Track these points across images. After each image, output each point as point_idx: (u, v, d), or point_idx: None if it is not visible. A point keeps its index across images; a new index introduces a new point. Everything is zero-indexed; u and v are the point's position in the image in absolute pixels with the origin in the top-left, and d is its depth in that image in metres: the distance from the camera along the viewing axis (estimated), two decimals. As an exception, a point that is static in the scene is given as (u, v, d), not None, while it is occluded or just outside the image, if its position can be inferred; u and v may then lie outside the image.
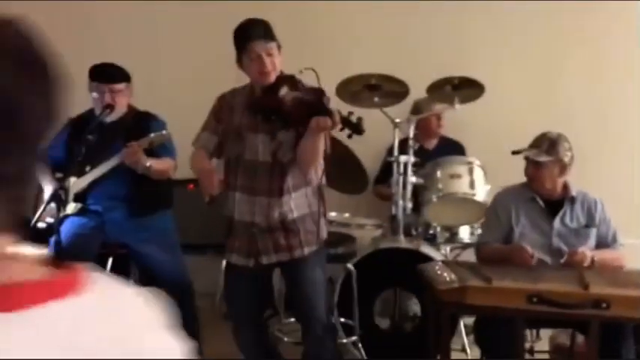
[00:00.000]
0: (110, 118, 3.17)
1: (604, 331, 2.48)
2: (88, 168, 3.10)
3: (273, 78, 2.43)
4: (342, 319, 3.18)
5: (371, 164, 3.95)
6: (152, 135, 2.95)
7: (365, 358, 3.12)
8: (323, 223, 2.63)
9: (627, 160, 4.21)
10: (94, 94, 3.15)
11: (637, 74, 4.18)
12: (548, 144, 2.75)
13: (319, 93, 2.38)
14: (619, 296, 2.22)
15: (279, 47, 2.47)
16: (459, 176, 3.36)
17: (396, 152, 3.36)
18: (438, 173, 3.39)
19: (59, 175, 3.12)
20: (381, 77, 3.43)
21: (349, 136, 2.30)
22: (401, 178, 3.32)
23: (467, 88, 3.41)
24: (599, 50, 4.27)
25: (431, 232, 3.66)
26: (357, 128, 2.25)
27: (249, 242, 2.52)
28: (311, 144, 2.35)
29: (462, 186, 3.34)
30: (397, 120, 3.35)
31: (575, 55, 4.31)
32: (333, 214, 3.86)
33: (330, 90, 3.51)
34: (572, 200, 2.80)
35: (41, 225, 3.07)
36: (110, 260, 3.30)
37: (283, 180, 2.49)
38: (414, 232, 3.68)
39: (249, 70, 2.46)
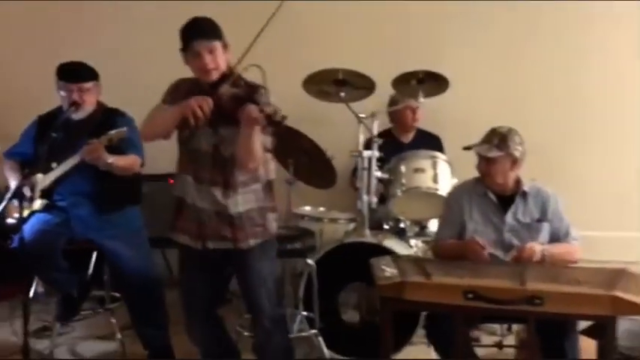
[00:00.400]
0: (78, 115, 3.24)
1: (548, 328, 2.51)
2: (54, 165, 3.18)
3: (215, 75, 2.47)
4: (305, 313, 3.23)
5: (346, 158, 3.97)
6: (112, 132, 3.00)
7: (326, 351, 3.17)
8: (272, 217, 2.66)
9: (592, 152, 4.22)
10: (62, 93, 3.23)
11: (600, 66, 4.17)
12: (498, 139, 2.74)
13: (254, 89, 2.41)
14: (553, 292, 2.21)
15: (224, 46, 2.51)
16: (422, 170, 3.39)
17: (360, 147, 3.38)
18: (402, 167, 3.41)
19: (27, 171, 3.19)
20: (347, 72, 3.46)
21: (273, 134, 2.31)
22: (365, 173, 3.34)
23: (431, 82, 3.41)
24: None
25: (401, 225, 3.69)
26: (278, 126, 2.28)
27: (199, 226, 2.56)
28: (244, 138, 2.38)
29: (425, 180, 3.36)
30: (362, 115, 3.36)
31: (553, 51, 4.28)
32: (307, 208, 3.92)
33: (296, 85, 3.57)
34: (524, 195, 2.79)
35: (11, 221, 3.18)
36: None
37: (226, 173, 2.52)
38: (385, 226, 3.71)
39: (192, 67, 2.50)
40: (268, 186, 2.66)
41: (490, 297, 2.25)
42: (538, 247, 2.63)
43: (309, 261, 3.16)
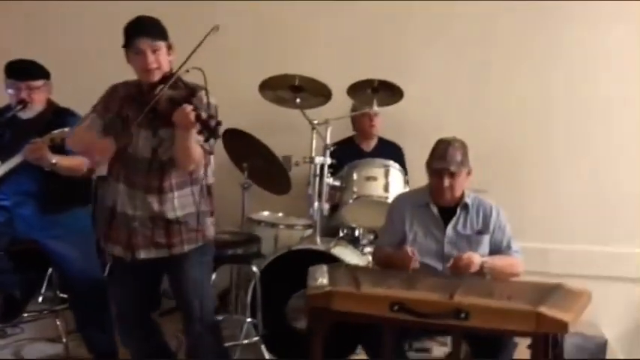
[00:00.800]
0: (26, 114, 3.20)
1: (482, 341, 2.48)
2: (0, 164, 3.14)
3: (157, 76, 2.44)
4: (250, 319, 3.20)
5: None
6: (55, 132, 2.97)
7: (267, 358, 3.13)
8: (209, 222, 2.63)
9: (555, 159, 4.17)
10: (10, 91, 3.18)
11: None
12: (461, 154, 2.69)
13: (192, 91, 2.38)
14: (479, 306, 2.17)
15: (169, 47, 2.49)
16: (374, 179, 3.36)
17: (313, 153, 3.35)
18: (354, 175, 3.39)
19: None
20: (304, 79, 3.43)
21: (206, 140, 2.28)
22: (317, 180, 3.32)
23: (386, 91, 3.40)
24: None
25: (356, 233, 3.66)
26: (213, 133, 2.25)
27: (129, 235, 2.52)
28: (180, 141, 2.36)
29: (376, 189, 3.34)
30: (315, 121, 3.34)
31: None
32: (265, 214, 3.89)
33: (251, 87, 3.54)
34: (466, 207, 2.76)
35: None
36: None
37: (163, 177, 2.49)
38: (341, 234, 3.68)
39: (134, 66, 2.48)
40: (207, 189, 2.62)
41: (416, 310, 2.21)
42: (477, 257, 2.59)
43: (254, 268, 3.12)
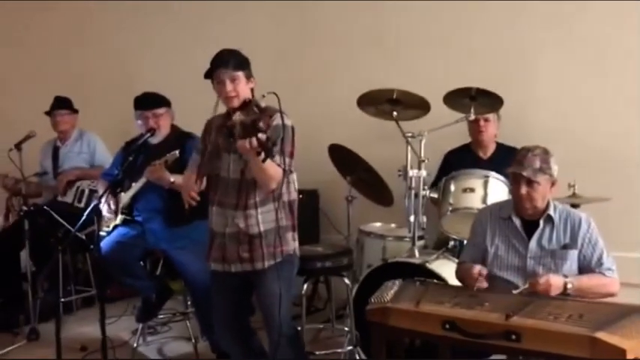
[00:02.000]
0: (155, 139, 3.65)
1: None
2: (133, 184, 3.62)
3: (236, 102, 2.69)
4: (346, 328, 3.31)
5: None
6: (168, 155, 3.35)
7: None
8: (290, 237, 2.79)
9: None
10: (139, 121, 3.66)
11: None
12: (540, 161, 2.56)
13: (257, 117, 2.56)
14: (531, 328, 2.06)
15: (247, 77, 2.72)
16: (472, 190, 3.27)
17: (409, 166, 3.36)
18: (452, 187, 3.34)
19: (118, 190, 3.67)
20: (401, 92, 3.46)
21: (263, 160, 2.42)
22: (412, 193, 3.33)
23: (484, 99, 3.31)
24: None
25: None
26: (268, 152, 2.40)
27: (222, 251, 2.79)
28: (252, 164, 2.56)
29: (472, 200, 3.25)
30: (408, 134, 3.35)
31: None
32: (377, 225, 3.98)
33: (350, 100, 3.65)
34: (550, 219, 2.59)
35: (102, 233, 3.66)
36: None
37: (248, 196, 2.71)
38: (450, 245, 3.64)
39: (218, 94, 2.75)
40: (289, 206, 2.80)
41: (466, 330, 2.17)
42: (556, 280, 2.41)
43: (346, 280, 3.24)
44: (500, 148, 3.88)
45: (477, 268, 2.52)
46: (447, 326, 2.20)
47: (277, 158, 2.59)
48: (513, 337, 2.08)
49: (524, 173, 2.53)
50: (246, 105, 2.67)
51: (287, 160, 2.65)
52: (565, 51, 4.01)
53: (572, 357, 2.00)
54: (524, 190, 2.56)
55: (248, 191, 2.72)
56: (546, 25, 4.05)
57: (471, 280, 2.51)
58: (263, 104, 2.66)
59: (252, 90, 2.75)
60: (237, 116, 2.62)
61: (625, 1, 3.80)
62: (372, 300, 2.47)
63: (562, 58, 4.03)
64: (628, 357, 1.92)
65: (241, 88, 2.70)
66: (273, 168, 2.57)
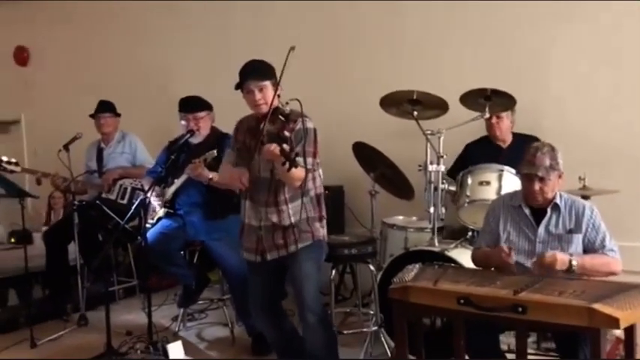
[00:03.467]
0: (196, 140, 3.97)
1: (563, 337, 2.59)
2: (175, 180, 3.94)
3: (264, 109, 2.96)
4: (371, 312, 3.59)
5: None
6: (207, 153, 3.66)
7: (386, 346, 3.48)
8: (318, 225, 3.08)
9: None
10: (182, 122, 3.98)
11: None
12: (549, 158, 2.78)
13: (284, 124, 2.83)
14: (535, 301, 2.31)
15: (274, 84, 2.97)
16: (487, 183, 3.52)
17: (429, 162, 3.61)
18: (469, 180, 3.58)
19: (163, 186, 4.01)
20: (421, 93, 3.72)
21: (288, 170, 2.67)
22: (431, 186, 3.59)
23: (498, 99, 3.55)
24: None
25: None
26: (292, 162, 2.66)
27: (257, 242, 3.08)
28: (278, 169, 2.84)
29: (488, 192, 3.49)
30: (428, 132, 3.61)
31: None
32: (399, 217, 4.24)
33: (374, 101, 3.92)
34: (557, 207, 2.83)
35: (147, 225, 3.98)
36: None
37: (278, 193, 3.00)
38: (468, 235, 3.88)
39: (247, 102, 3.03)
40: (316, 198, 3.08)
41: (479, 304, 2.42)
42: (561, 256, 2.66)
43: (371, 266, 3.52)
44: (518, 137, 4.08)
45: (506, 246, 2.77)
46: (462, 301, 2.45)
47: (300, 160, 2.83)
48: (520, 309, 2.33)
49: (539, 173, 2.76)
50: (273, 113, 2.92)
51: (310, 160, 2.92)
52: (577, 48, 4.22)
53: (573, 326, 2.25)
54: (537, 186, 2.79)
55: (278, 189, 3.00)
56: (559, 23, 4.26)
57: (503, 257, 2.74)
58: (288, 109, 2.92)
59: (279, 96, 2.99)
60: (265, 125, 2.87)
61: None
62: (394, 280, 2.73)
63: (574, 54, 4.23)
64: (621, 325, 2.16)
65: (269, 95, 2.95)
66: (297, 170, 2.78)
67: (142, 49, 6.24)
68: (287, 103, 2.92)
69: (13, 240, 5.94)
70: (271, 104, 2.94)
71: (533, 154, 2.82)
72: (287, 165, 2.65)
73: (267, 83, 2.97)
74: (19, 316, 4.48)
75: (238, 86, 3.01)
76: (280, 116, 2.90)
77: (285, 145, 2.66)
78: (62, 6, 6.73)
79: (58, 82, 6.91)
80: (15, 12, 7.07)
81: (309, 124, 2.94)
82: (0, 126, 7.77)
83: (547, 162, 2.78)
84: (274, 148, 2.69)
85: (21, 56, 7.26)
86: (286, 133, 2.76)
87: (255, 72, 2.98)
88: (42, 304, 4.80)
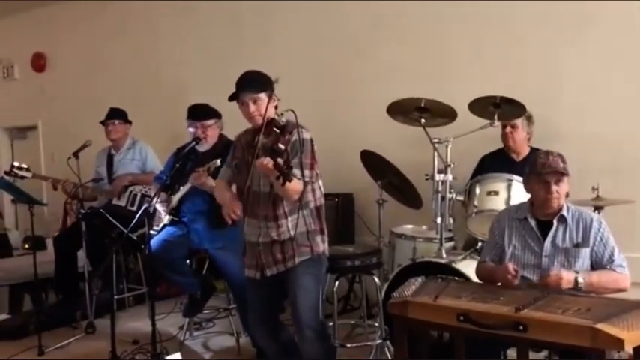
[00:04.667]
0: (203, 148, 3.94)
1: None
2: (181, 188, 3.91)
3: (259, 120, 2.90)
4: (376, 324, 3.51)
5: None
6: (210, 163, 3.62)
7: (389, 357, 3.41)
8: (319, 239, 3.01)
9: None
10: (190, 130, 3.95)
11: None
12: (561, 160, 2.71)
13: (278, 136, 2.76)
14: (536, 320, 2.22)
15: (269, 96, 2.92)
16: (496, 193, 3.43)
17: (436, 171, 3.53)
18: (477, 190, 3.49)
19: (169, 193, 3.99)
20: (429, 101, 3.64)
21: (282, 184, 2.61)
22: (438, 196, 3.50)
23: (508, 106, 3.46)
24: None
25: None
26: (286, 176, 2.59)
27: (256, 258, 3.03)
28: (274, 183, 2.78)
29: (496, 203, 3.40)
30: (435, 140, 3.52)
31: None
32: (409, 227, 4.17)
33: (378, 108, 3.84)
34: (563, 219, 2.73)
35: (152, 232, 3.97)
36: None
37: (276, 207, 2.94)
38: (478, 246, 3.79)
39: (242, 113, 2.98)
40: (316, 211, 3.02)
41: (479, 321, 2.34)
42: (566, 274, 2.56)
43: (375, 278, 3.44)
44: (534, 151, 3.99)
45: (512, 266, 2.66)
46: (462, 318, 2.37)
47: (297, 172, 2.77)
48: (521, 327, 2.24)
49: (559, 168, 2.67)
50: (267, 125, 2.84)
51: (307, 172, 2.87)
52: (589, 55, 4.12)
53: (575, 346, 2.16)
54: (554, 188, 2.69)
55: (276, 203, 2.94)
56: (571, 30, 4.17)
57: (509, 276, 2.63)
58: (284, 120, 2.84)
59: (275, 107, 2.95)
60: (261, 139, 2.81)
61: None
62: (394, 294, 2.66)
63: (586, 62, 4.14)
64: (626, 346, 2.06)
65: (263, 107, 2.89)
66: (293, 184, 2.72)
67: (157, 57, 6.27)
68: (282, 114, 2.86)
69: (26, 246, 5.98)
70: (264, 116, 2.88)
71: (544, 159, 2.74)
72: (280, 180, 2.60)
73: (262, 95, 2.91)
74: (30, 322, 4.49)
75: (233, 97, 2.96)
76: (275, 129, 2.84)
77: (279, 160, 2.60)
78: (80, 13, 6.81)
79: (74, 89, 6.98)
80: (33, 19, 7.18)
81: (306, 135, 2.88)
82: (17, 132, 7.89)
83: (560, 164, 2.71)
84: (267, 162, 2.63)
85: (38, 63, 7.35)
86: (281, 146, 2.69)
87: (250, 84, 2.93)
88: (52, 310, 4.82)
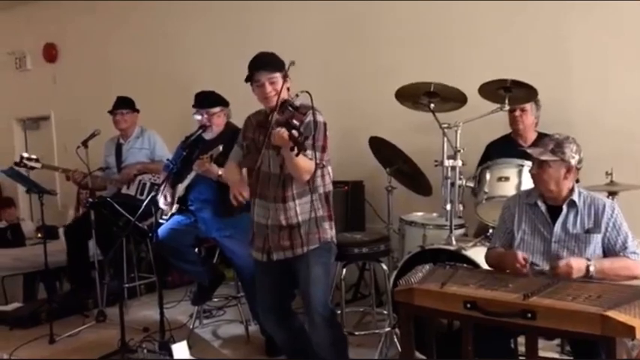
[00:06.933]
0: (209, 135, 3.90)
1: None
2: (188, 176, 3.89)
3: (274, 102, 2.85)
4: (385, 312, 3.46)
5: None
6: (213, 150, 3.59)
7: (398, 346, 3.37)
8: (327, 226, 2.96)
9: None
10: (197, 117, 3.92)
11: None
12: (554, 144, 2.65)
13: (292, 113, 2.74)
14: (545, 307, 2.16)
15: (284, 76, 2.87)
16: (506, 179, 3.35)
17: (445, 157, 3.46)
18: (487, 176, 3.42)
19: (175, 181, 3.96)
20: (438, 85, 3.56)
21: (297, 154, 2.58)
22: (448, 182, 3.44)
23: (519, 90, 3.37)
24: None
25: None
26: (300, 146, 2.56)
27: (264, 241, 2.99)
28: (287, 158, 2.74)
29: (507, 189, 3.32)
30: (444, 125, 3.45)
31: None
32: (419, 214, 4.11)
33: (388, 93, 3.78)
34: (573, 205, 2.66)
35: (161, 221, 3.95)
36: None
37: (285, 189, 2.89)
38: (488, 233, 3.73)
39: (257, 95, 2.93)
40: (325, 197, 2.97)
41: (486, 309, 2.29)
42: (577, 263, 2.48)
43: (383, 265, 3.39)
44: (541, 137, 3.92)
45: (522, 255, 2.59)
46: (468, 305, 2.32)
47: (309, 153, 2.74)
48: (529, 315, 2.18)
49: (529, 151, 2.69)
50: (282, 105, 2.82)
51: (319, 154, 2.81)
52: (600, 40, 4.03)
53: (585, 334, 2.10)
54: (534, 170, 2.68)
55: (286, 184, 2.89)
56: (582, 14, 4.09)
57: (518, 267, 2.57)
58: (298, 103, 2.82)
59: (288, 89, 2.90)
60: (275, 116, 2.78)
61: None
62: (401, 282, 2.61)
63: (597, 47, 4.05)
64: (637, 334, 2.00)
65: (279, 88, 2.85)
66: (305, 162, 2.72)
67: (168, 47, 6.24)
68: (297, 96, 2.81)
69: (39, 235, 6.01)
70: (279, 95, 2.84)
71: (542, 140, 2.73)
72: (295, 150, 2.55)
73: (278, 75, 2.87)
74: (41, 311, 4.52)
75: (248, 79, 2.92)
76: (290, 107, 2.80)
77: (294, 131, 2.55)
78: (90, 3, 6.81)
79: (86, 78, 6.98)
80: (44, 10, 7.17)
81: (320, 118, 2.83)
82: (30, 122, 7.92)
83: (549, 146, 2.65)
84: (283, 132, 2.58)
85: (50, 53, 7.36)
86: (295, 122, 2.65)
87: (266, 64, 2.89)
88: (64, 299, 4.84)
